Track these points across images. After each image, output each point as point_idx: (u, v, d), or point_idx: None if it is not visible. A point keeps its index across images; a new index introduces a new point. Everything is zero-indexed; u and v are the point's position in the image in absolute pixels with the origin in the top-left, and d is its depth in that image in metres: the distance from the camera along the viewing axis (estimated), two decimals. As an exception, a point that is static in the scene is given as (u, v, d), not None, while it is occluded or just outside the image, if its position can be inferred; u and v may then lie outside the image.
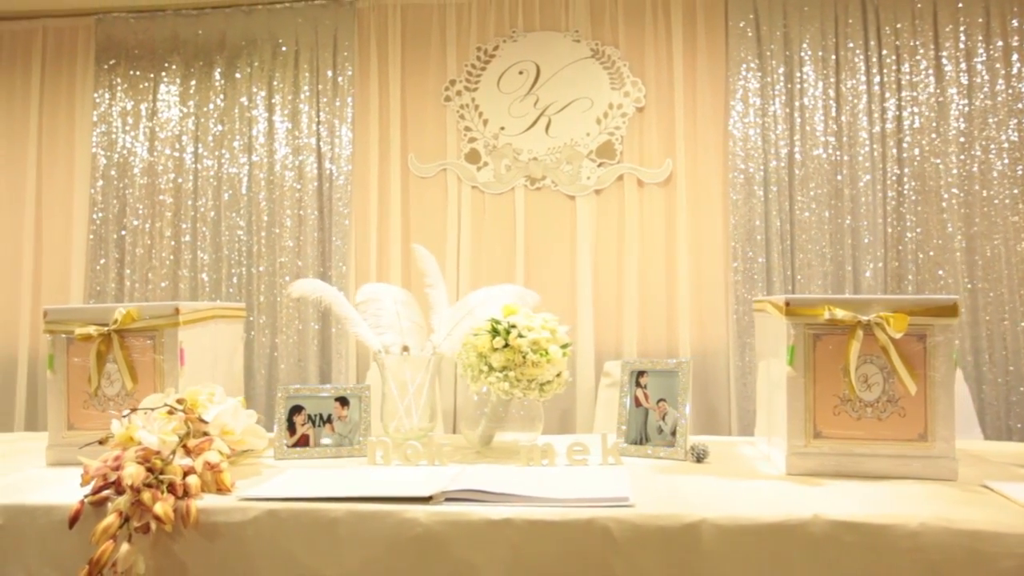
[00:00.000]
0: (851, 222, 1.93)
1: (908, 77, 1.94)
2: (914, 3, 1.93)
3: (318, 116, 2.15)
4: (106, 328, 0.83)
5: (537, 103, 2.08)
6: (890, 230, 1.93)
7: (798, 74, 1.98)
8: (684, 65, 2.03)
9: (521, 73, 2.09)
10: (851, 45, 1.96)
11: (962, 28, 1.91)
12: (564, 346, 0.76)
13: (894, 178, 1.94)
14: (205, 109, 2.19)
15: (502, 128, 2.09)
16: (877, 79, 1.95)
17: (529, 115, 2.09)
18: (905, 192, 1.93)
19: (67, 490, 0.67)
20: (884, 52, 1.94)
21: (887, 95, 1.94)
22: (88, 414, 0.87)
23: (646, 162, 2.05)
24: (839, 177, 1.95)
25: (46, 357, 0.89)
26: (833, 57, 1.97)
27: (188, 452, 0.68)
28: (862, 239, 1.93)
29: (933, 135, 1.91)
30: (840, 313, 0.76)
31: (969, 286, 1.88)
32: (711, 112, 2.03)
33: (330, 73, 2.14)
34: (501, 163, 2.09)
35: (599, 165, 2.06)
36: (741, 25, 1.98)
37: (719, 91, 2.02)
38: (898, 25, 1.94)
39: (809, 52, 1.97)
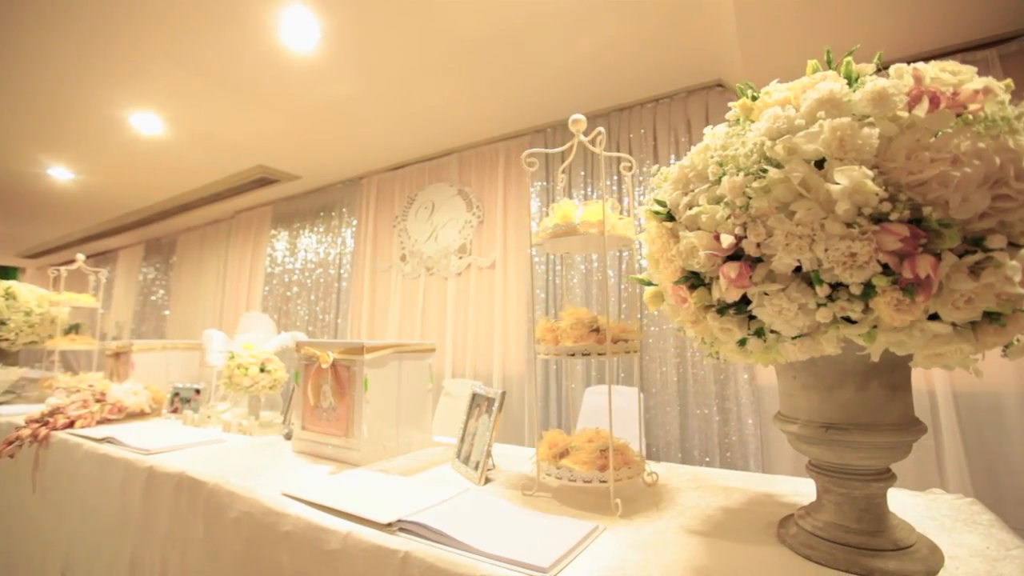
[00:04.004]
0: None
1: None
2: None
3: (342, 238, 4.06)
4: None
5: (432, 224, 3.52)
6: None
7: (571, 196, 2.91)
8: (504, 195, 3.19)
9: (425, 208, 3.58)
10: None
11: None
12: (262, 369, 2.16)
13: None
14: (307, 238, 4.36)
15: (415, 241, 3.59)
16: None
17: (427, 231, 3.53)
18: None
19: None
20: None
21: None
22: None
23: (482, 254, 3.23)
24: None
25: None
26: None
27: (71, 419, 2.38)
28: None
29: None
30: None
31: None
32: (517, 223, 3.10)
33: (346, 216, 4.05)
34: (414, 261, 3.57)
35: (460, 258, 3.33)
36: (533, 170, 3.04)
37: (523, 211, 3.09)
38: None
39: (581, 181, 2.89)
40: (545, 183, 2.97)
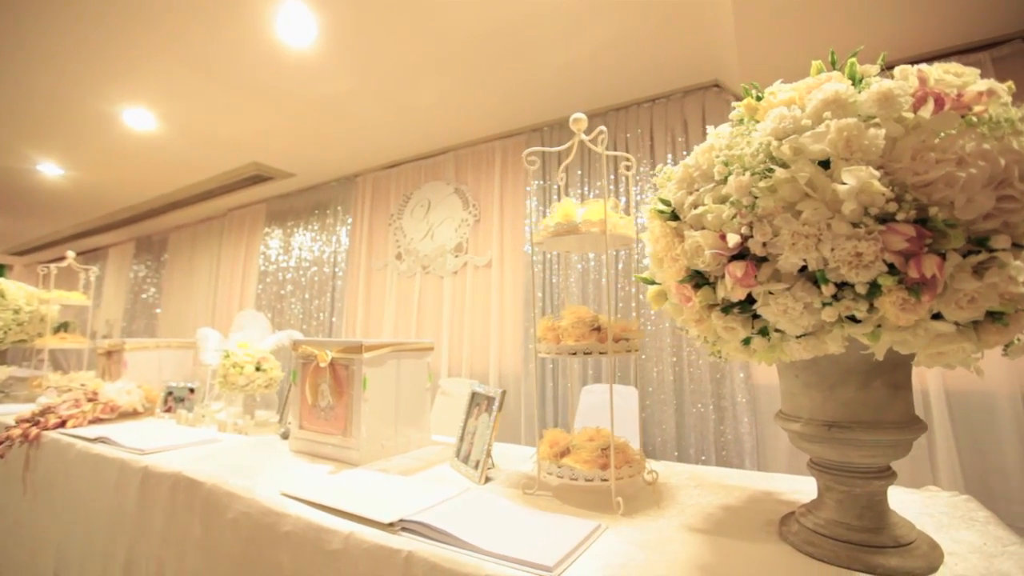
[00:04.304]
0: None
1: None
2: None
3: (336, 236, 4.03)
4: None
5: (428, 222, 3.51)
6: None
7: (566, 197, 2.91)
8: (501, 194, 3.18)
9: (421, 206, 3.57)
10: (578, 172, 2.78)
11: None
12: (258, 368, 2.12)
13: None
14: (302, 236, 4.33)
15: (410, 239, 3.58)
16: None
17: (423, 230, 3.52)
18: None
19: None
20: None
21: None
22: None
23: (478, 253, 3.22)
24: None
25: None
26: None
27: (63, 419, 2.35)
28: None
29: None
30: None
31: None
32: (514, 222, 3.10)
33: (341, 214, 4.02)
34: (410, 259, 3.56)
35: (456, 257, 3.32)
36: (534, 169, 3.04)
37: (519, 211, 3.09)
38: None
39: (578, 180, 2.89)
40: (542, 182, 2.97)
